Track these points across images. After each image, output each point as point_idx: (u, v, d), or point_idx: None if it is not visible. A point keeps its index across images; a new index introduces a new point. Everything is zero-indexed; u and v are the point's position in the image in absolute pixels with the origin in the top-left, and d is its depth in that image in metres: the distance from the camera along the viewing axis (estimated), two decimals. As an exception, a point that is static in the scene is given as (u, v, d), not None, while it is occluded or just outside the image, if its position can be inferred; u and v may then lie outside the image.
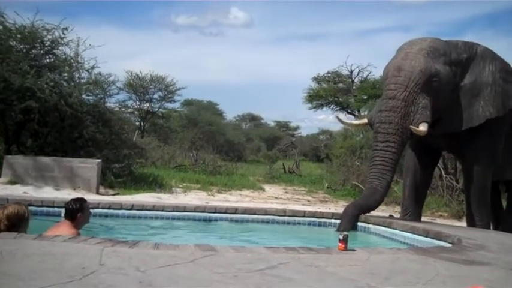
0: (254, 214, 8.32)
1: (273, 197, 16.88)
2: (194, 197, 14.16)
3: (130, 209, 7.88)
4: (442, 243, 6.40)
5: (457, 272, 4.35)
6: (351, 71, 36.15)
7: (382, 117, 7.92)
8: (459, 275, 4.21)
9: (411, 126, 7.74)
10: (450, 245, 6.12)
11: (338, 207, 13.26)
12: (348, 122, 12.22)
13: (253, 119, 62.61)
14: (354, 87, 36.37)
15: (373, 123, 8.10)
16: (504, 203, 10.56)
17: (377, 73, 33.33)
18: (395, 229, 7.55)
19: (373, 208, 8.19)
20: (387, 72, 8.21)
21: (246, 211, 8.40)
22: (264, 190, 18.76)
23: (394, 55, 8.41)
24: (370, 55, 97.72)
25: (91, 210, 5.77)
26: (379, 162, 7.89)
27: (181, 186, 16.74)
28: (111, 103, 19.29)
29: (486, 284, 3.88)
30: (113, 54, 61.20)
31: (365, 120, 8.69)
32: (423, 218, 9.75)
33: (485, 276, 4.23)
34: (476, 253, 5.38)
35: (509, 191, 10.14)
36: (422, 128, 7.69)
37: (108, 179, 13.92)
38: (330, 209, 12.86)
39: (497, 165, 8.74)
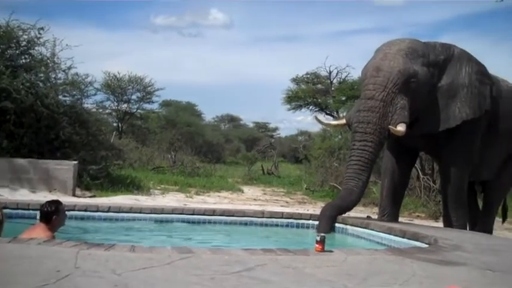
0: (232, 216, 8.30)
1: (252, 198, 16.87)
2: (172, 199, 14.10)
3: (107, 211, 7.81)
4: (418, 243, 6.45)
5: (434, 272, 4.38)
6: (330, 72, 36.23)
7: (361, 117, 7.95)
8: (435, 276, 4.24)
9: (390, 127, 7.78)
10: (427, 246, 6.17)
11: (316, 208, 13.28)
12: (327, 122, 12.25)
13: (232, 120, 62.58)
14: (332, 88, 36.44)
15: (352, 123, 8.12)
16: (480, 204, 10.67)
17: (355, 74, 33.37)
18: (373, 230, 7.59)
19: (350, 209, 8.22)
20: (366, 72, 8.24)
21: (224, 213, 8.37)
22: (242, 192, 18.75)
23: (373, 56, 8.43)
24: (348, 56, 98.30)
25: (67, 212, 5.72)
26: (355, 162, 7.92)
27: (159, 188, 16.65)
28: (88, 104, 19.13)
29: (462, 284, 3.91)
30: (90, 55, 60.83)
31: (343, 121, 8.71)
32: (401, 219, 9.81)
33: (461, 277, 4.27)
34: (453, 253, 5.42)
35: (485, 192, 10.25)
36: (401, 128, 7.73)
37: (85, 181, 13.79)
38: (308, 210, 12.90)
39: (474, 165, 8.83)
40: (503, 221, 11.36)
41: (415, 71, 7.96)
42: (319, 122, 10.27)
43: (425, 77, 8.09)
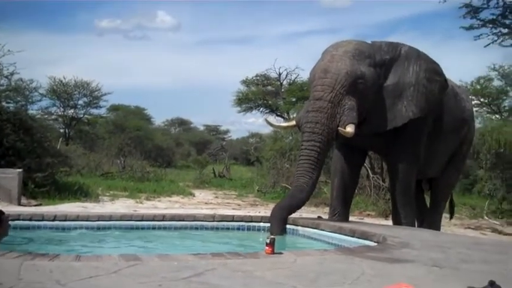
0: (183, 220, 8.19)
1: (203, 202, 16.76)
2: (122, 205, 13.86)
3: (53, 220, 7.58)
4: (367, 242, 6.52)
5: (382, 270, 4.43)
6: (280, 74, 36.50)
7: (309, 117, 7.99)
8: (384, 274, 4.29)
9: (339, 128, 7.84)
10: (375, 244, 6.25)
11: (268, 210, 13.26)
12: (277, 124, 12.31)
13: (182, 123, 62.14)
14: (282, 90, 36.70)
15: (301, 124, 8.16)
16: (427, 201, 10.90)
17: (305, 75, 33.60)
18: (323, 230, 7.64)
19: (299, 207, 8.21)
20: (314, 74, 8.30)
21: (174, 218, 8.26)
22: (193, 196, 18.62)
23: (320, 58, 8.49)
24: (297, 57, 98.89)
25: (11, 222, 5.52)
26: (305, 161, 7.94)
27: (108, 194, 16.34)
28: (33, 110, 18.79)
29: (410, 281, 3.96)
30: (34, 60, 59.47)
31: (293, 122, 8.73)
32: (352, 218, 9.92)
33: (408, 274, 4.33)
34: (401, 251, 5.51)
35: (432, 189, 10.47)
36: (350, 129, 7.80)
37: (30, 189, 13.42)
38: (260, 212, 12.93)
39: (421, 163, 8.98)
40: (451, 217, 11.63)
41: (362, 72, 8.05)
42: (270, 124, 10.29)
43: (372, 77, 8.20)
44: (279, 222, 7.84)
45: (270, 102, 37.54)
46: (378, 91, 8.34)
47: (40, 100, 32.59)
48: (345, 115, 7.88)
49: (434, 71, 8.75)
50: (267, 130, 35.69)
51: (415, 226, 9.13)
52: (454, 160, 10.06)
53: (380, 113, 8.36)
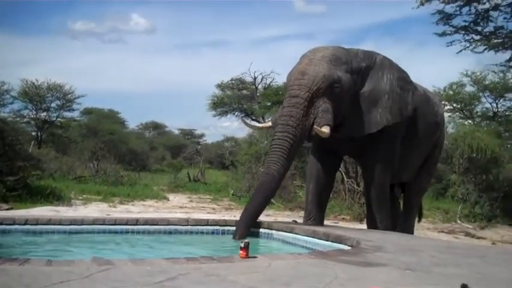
0: (156, 225, 8.11)
1: (178, 206, 16.67)
2: (95, 209, 13.72)
3: (24, 224, 7.45)
4: (342, 246, 6.54)
5: (355, 274, 4.44)
6: (255, 78, 36.46)
7: (284, 112, 8.00)
8: (357, 277, 4.30)
9: (315, 127, 7.84)
10: (349, 248, 6.27)
11: (243, 214, 13.28)
12: (252, 124, 12.33)
13: (156, 127, 61.74)
14: (257, 94, 36.71)
15: (276, 120, 8.16)
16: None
17: (280, 80, 33.79)
18: (298, 234, 7.63)
19: (271, 197, 8.17)
20: (291, 76, 8.32)
21: (147, 222, 8.18)
22: (168, 199, 18.51)
23: (298, 61, 8.53)
24: (273, 62, 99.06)
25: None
26: (278, 149, 7.88)
27: (81, 198, 16.16)
28: (5, 113, 18.47)
29: (382, 284, 3.98)
30: (6, 62, 58.54)
31: (269, 123, 8.75)
32: (326, 222, 9.95)
33: (381, 277, 4.34)
34: (374, 254, 5.53)
35: (405, 193, 10.57)
36: (325, 130, 7.80)
37: (2, 193, 13.25)
38: (234, 216, 12.86)
39: (394, 168, 9.06)
40: (419, 220, 11.74)
41: (339, 77, 8.10)
42: (246, 124, 10.29)
43: (349, 83, 8.25)
44: (245, 227, 7.79)
45: (245, 106, 37.53)
46: (354, 97, 8.40)
47: (12, 103, 32.27)
48: (320, 117, 7.90)
49: (406, 80, 8.90)
50: (242, 134, 35.78)
51: (390, 230, 9.19)
52: (427, 164, 10.19)
53: (355, 119, 8.42)
